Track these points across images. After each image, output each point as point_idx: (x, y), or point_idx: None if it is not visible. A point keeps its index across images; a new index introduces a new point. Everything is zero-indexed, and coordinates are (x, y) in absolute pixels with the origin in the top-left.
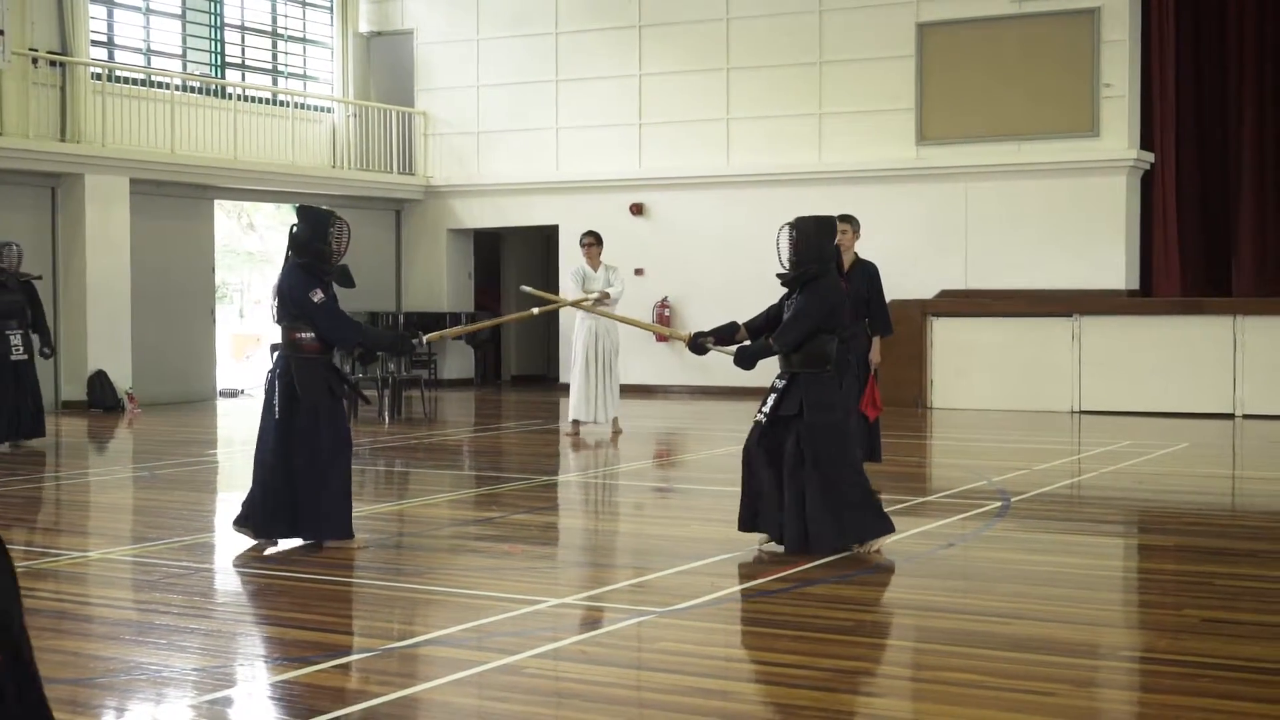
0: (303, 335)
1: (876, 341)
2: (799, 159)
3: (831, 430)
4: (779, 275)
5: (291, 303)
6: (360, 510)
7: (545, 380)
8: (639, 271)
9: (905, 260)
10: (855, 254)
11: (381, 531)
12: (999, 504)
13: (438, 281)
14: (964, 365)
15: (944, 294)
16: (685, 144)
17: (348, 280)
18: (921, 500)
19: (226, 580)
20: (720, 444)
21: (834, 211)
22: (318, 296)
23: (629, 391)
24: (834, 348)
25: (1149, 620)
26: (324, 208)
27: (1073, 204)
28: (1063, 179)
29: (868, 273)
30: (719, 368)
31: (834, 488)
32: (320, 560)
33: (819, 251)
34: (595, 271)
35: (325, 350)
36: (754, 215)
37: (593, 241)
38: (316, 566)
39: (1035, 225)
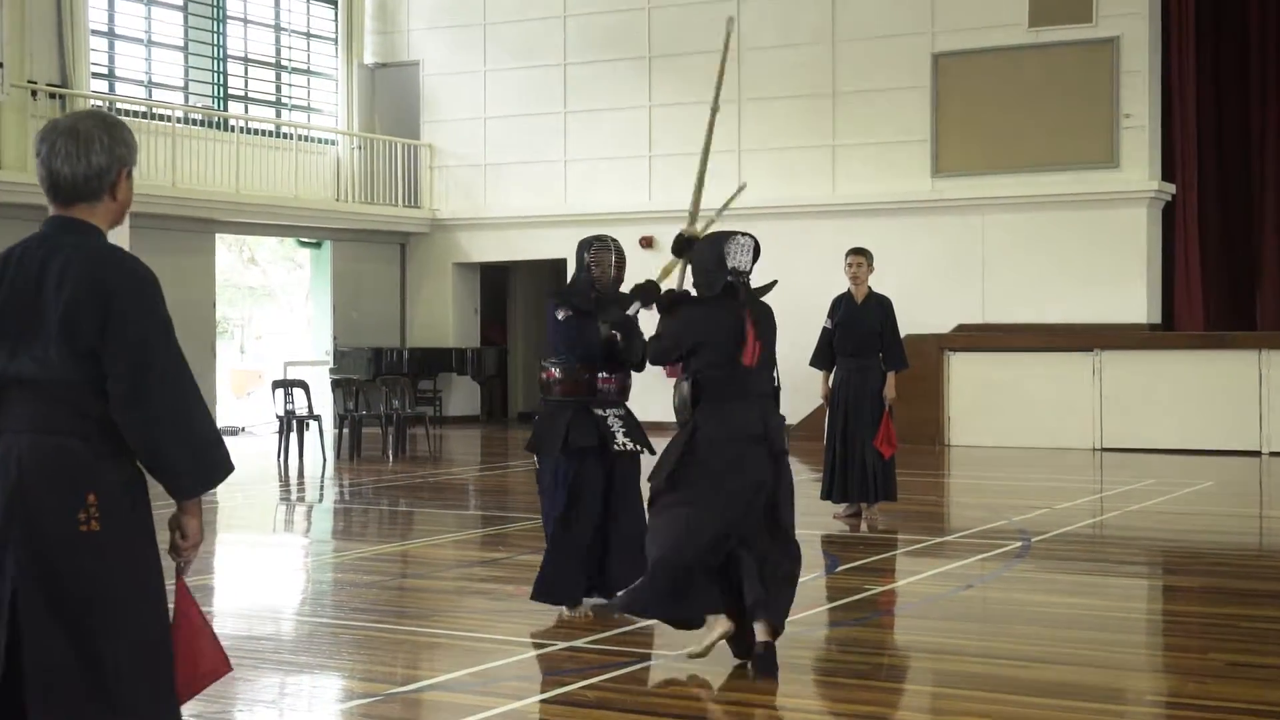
0: (550, 375)
1: (891, 377)
2: (812, 191)
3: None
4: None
5: (549, 337)
6: (363, 551)
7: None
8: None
9: (921, 294)
10: (869, 288)
11: (385, 573)
12: (1019, 544)
13: (443, 316)
14: (982, 402)
15: (961, 329)
16: (691, 178)
17: (614, 312)
18: (939, 540)
19: (222, 624)
20: None
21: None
22: (562, 314)
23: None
24: (689, 391)
25: (1173, 664)
26: (595, 235)
27: (1092, 236)
28: (1082, 211)
29: (881, 306)
30: None
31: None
32: (321, 601)
33: (705, 275)
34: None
35: (586, 389)
36: (767, 249)
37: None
38: (317, 608)
39: (1054, 258)
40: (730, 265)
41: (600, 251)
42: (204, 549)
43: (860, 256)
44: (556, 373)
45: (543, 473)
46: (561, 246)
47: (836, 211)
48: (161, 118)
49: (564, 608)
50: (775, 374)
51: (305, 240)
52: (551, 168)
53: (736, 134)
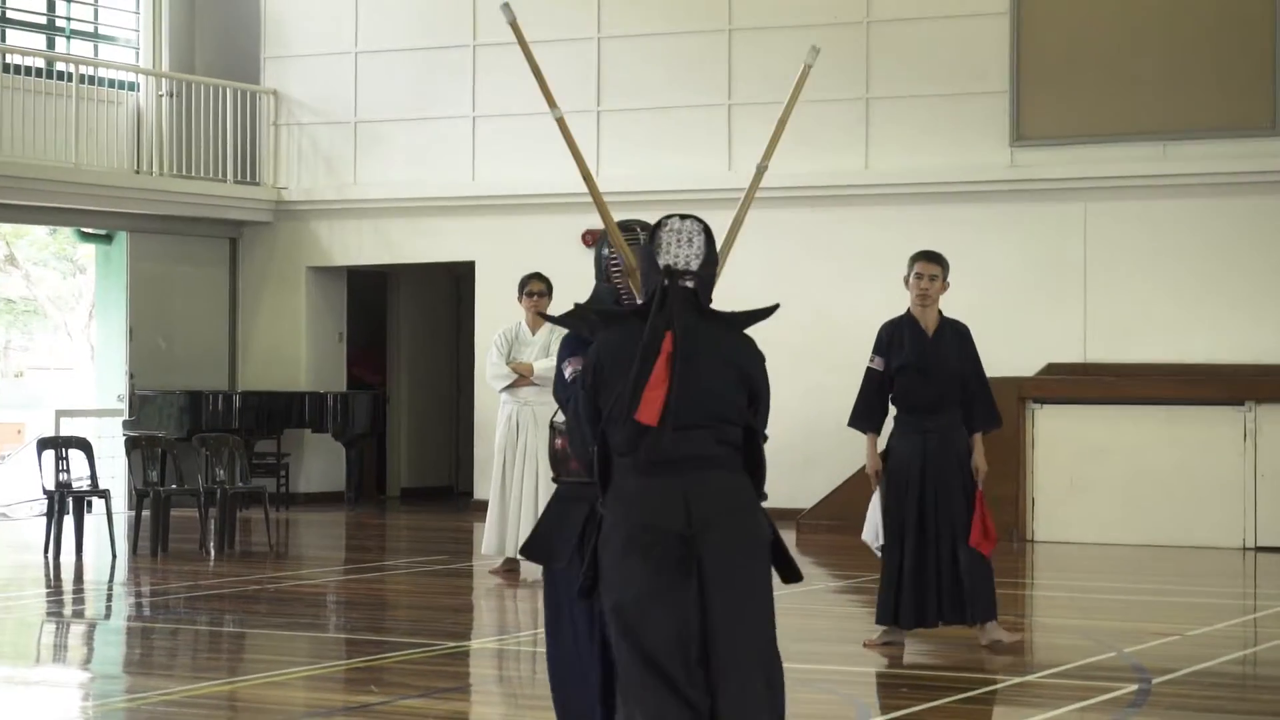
0: (564, 445)
1: (978, 440)
2: (835, 165)
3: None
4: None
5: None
6: (171, 692)
7: (452, 494)
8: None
9: (994, 318)
10: (940, 310)
11: None
12: (1134, 688)
13: (292, 345)
14: (1081, 476)
15: (1052, 369)
16: (665, 142)
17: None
18: (1020, 680)
19: None
20: None
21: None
22: (569, 370)
23: None
24: (596, 465)
25: None
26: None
27: (1243, 234)
28: (1228, 198)
29: (960, 336)
30: None
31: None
32: None
33: (646, 281)
34: (534, 335)
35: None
36: (770, 249)
37: (542, 290)
38: None
39: (1188, 266)
40: (663, 262)
41: (628, 247)
42: None
43: (935, 265)
44: (560, 441)
45: (550, 590)
46: (466, 244)
47: (870, 196)
48: None
49: None
50: (762, 419)
51: (89, 231)
52: (454, 127)
53: (725, 79)
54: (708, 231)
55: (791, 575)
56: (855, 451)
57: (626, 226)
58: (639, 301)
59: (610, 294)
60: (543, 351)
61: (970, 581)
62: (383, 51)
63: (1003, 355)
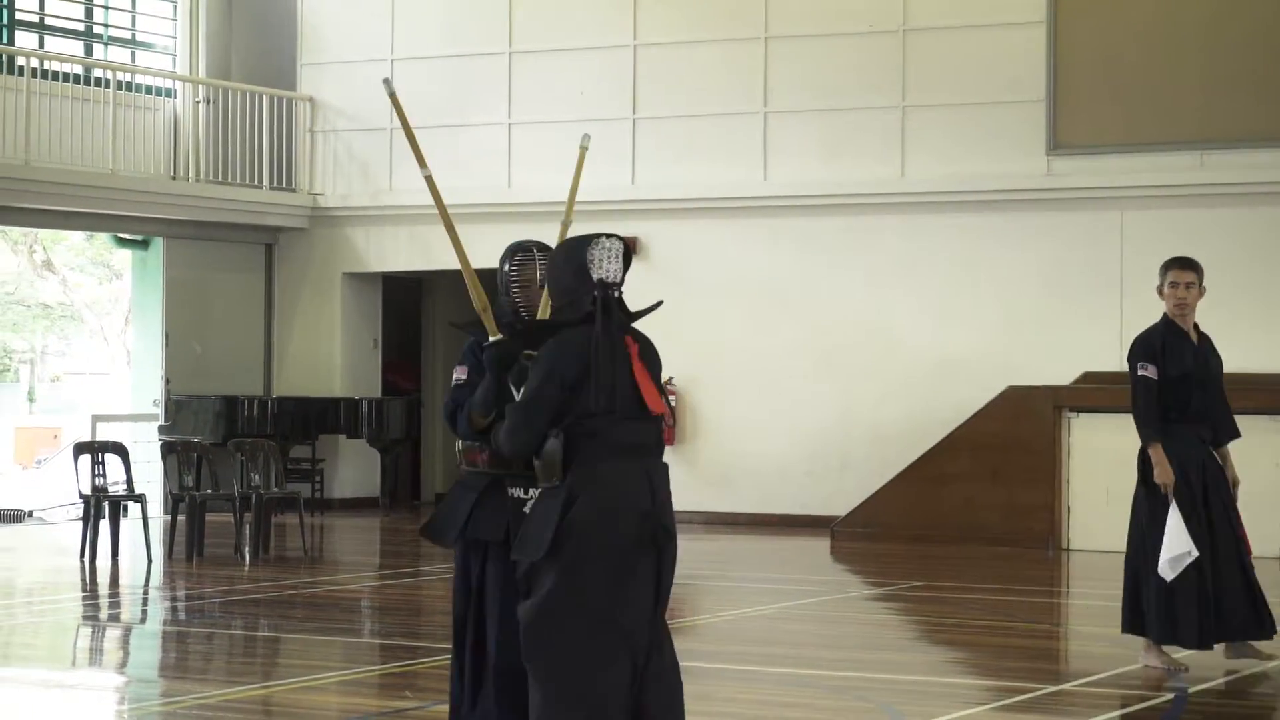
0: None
1: (1228, 454)
2: (871, 174)
3: (531, 579)
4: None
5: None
6: (207, 696)
7: None
8: None
9: (1030, 327)
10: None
11: None
12: (1170, 696)
13: (328, 352)
14: (1116, 486)
15: (1088, 377)
16: (700, 150)
17: (525, 341)
18: (1055, 689)
19: None
20: (748, 600)
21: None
22: (456, 375)
23: None
24: (558, 448)
25: None
26: (522, 240)
27: None
28: (1266, 207)
29: (1213, 346)
30: (748, 486)
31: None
32: None
33: (568, 294)
34: None
35: (496, 461)
36: (804, 256)
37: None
38: None
39: (1225, 275)
40: (596, 276)
41: (524, 265)
42: None
43: (1191, 272)
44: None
45: (459, 565)
46: (502, 250)
47: (905, 204)
48: None
49: None
50: (666, 415)
51: (126, 237)
52: (489, 135)
53: (761, 86)
54: (628, 248)
55: None
56: (888, 459)
57: (524, 247)
58: (537, 314)
59: (508, 306)
60: None
61: (1257, 593)
62: (418, 58)
63: (1039, 364)
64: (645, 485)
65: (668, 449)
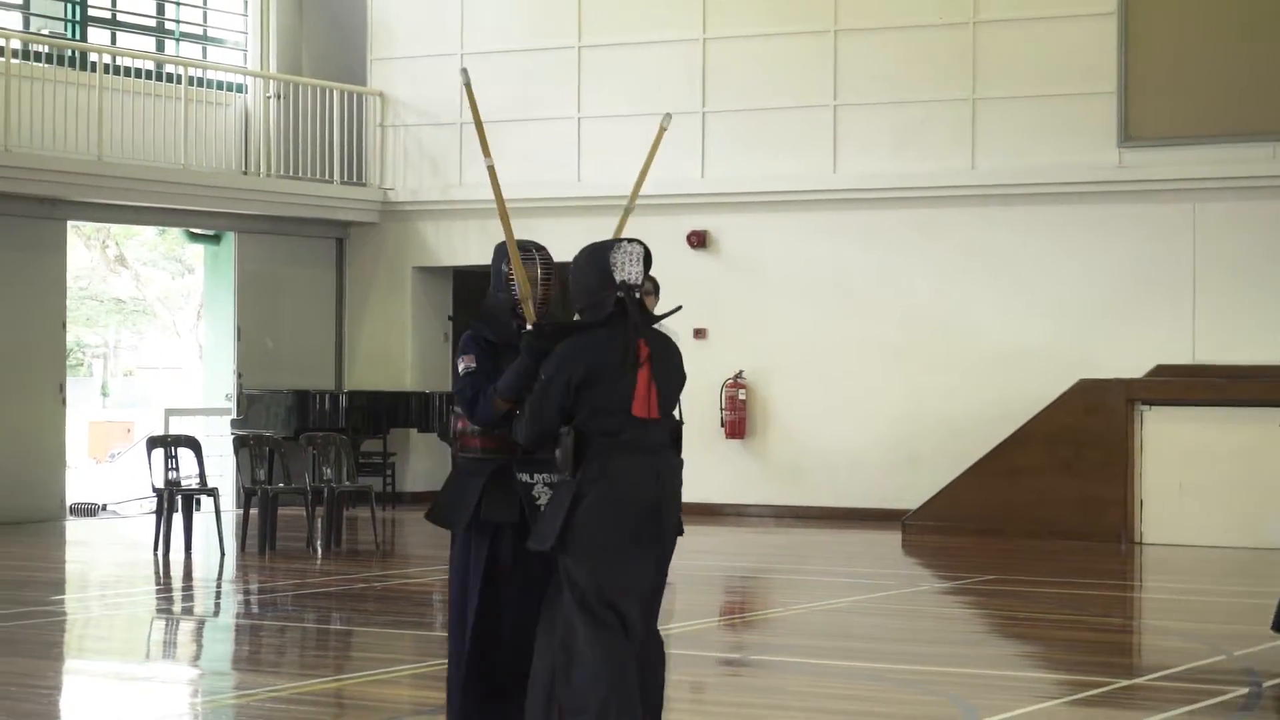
0: (461, 424)
1: None
2: (941, 166)
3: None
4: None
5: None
6: (279, 689)
7: None
8: (700, 333)
9: (1102, 319)
10: None
11: None
12: (1245, 690)
13: (398, 345)
14: (1190, 480)
15: (1160, 371)
16: (769, 143)
17: (539, 339)
18: (1128, 683)
19: None
20: (819, 594)
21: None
22: (463, 365)
23: (687, 513)
24: (570, 444)
25: None
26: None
27: None
28: None
29: None
30: (819, 479)
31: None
32: None
33: (590, 295)
34: None
35: (501, 448)
36: (872, 249)
37: (649, 289)
38: None
39: None
40: (619, 278)
41: (524, 265)
42: (47, 683)
43: None
44: (458, 421)
45: (457, 554)
46: (572, 244)
47: (976, 196)
48: None
49: None
50: (679, 412)
51: (197, 232)
52: (559, 129)
53: (831, 80)
54: (648, 252)
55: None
56: (959, 452)
57: (523, 246)
58: (530, 321)
59: (507, 304)
60: None
61: None
62: (488, 53)
63: (1111, 356)
64: (654, 482)
65: (737, 442)
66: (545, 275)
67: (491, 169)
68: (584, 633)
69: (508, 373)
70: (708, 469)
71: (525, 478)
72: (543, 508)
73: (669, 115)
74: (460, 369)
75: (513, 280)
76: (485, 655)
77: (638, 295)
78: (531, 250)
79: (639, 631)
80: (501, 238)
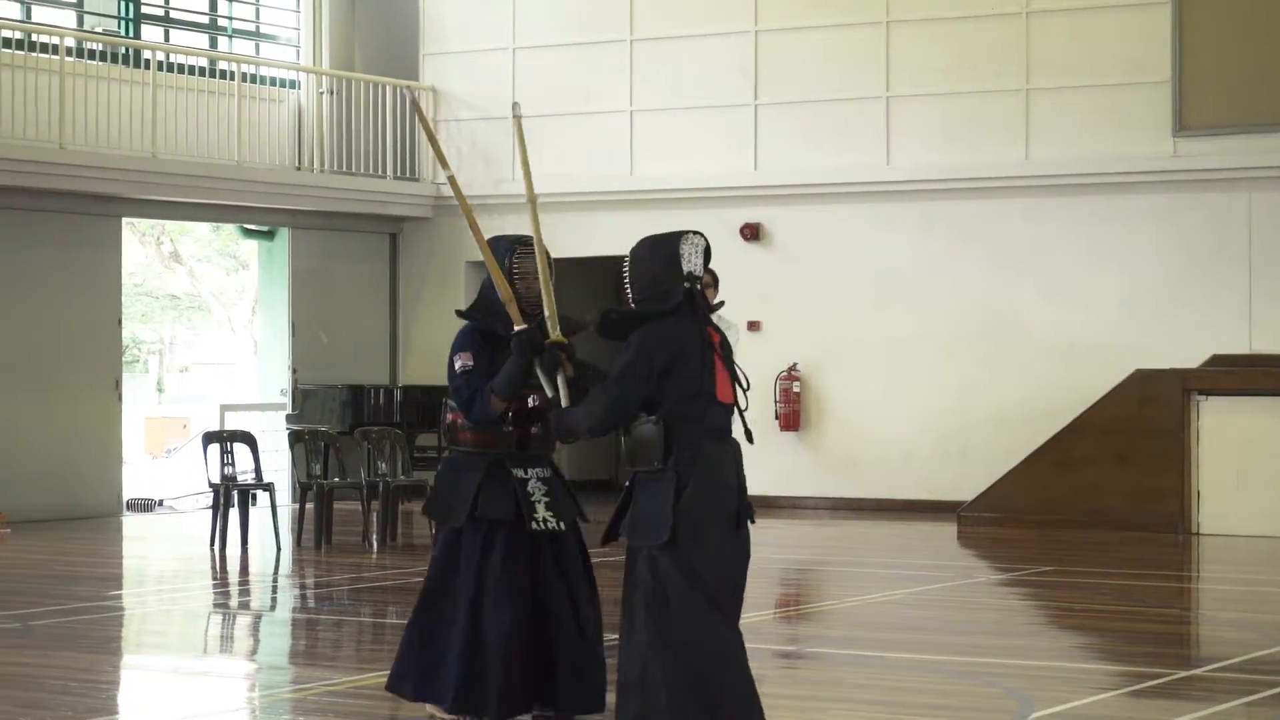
0: (455, 419)
1: None
2: (995, 157)
3: (652, 566)
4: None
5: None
6: (336, 683)
7: (613, 488)
8: (754, 325)
9: (1157, 309)
10: None
11: (368, 716)
12: None
13: (451, 338)
14: (1247, 468)
15: (1217, 360)
16: (822, 135)
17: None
18: (1185, 674)
19: None
20: (876, 585)
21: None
22: (459, 363)
23: None
24: (660, 434)
25: None
26: (518, 235)
27: None
28: None
29: None
30: (873, 471)
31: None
32: None
33: (655, 284)
34: None
35: (504, 439)
36: (926, 241)
37: (709, 281)
38: None
39: None
40: (686, 269)
41: (524, 258)
42: (105, 678)
43: None
44: (451, 415)
45: (444, 550)
46: (625, 238)
47: (1029, 186)
48: (44, 48)
49: None
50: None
51: (252, 228)
52: (611, 122)
53: (882, 71)
54: (708, 246)
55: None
56: (1013, 443)
57: (524, 241)
58: (517, 323)
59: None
60: None
61: None
62: (540, 47)
63: (1167, 347)
64: (734, 466)
65: (791, 434)
66: (546, 269)
67: (452, 179)
68: (691, 621)
69: (501, 373)
70: (762, 461)
71: (519, 473)
72: (641, 502)
73: (517, 104)
74: (457, 367)
75: (517, 273)
76: (480, 650)
77: (700, 286)
78: (531, 245)
79: (736, 616)
80: (513, 231)
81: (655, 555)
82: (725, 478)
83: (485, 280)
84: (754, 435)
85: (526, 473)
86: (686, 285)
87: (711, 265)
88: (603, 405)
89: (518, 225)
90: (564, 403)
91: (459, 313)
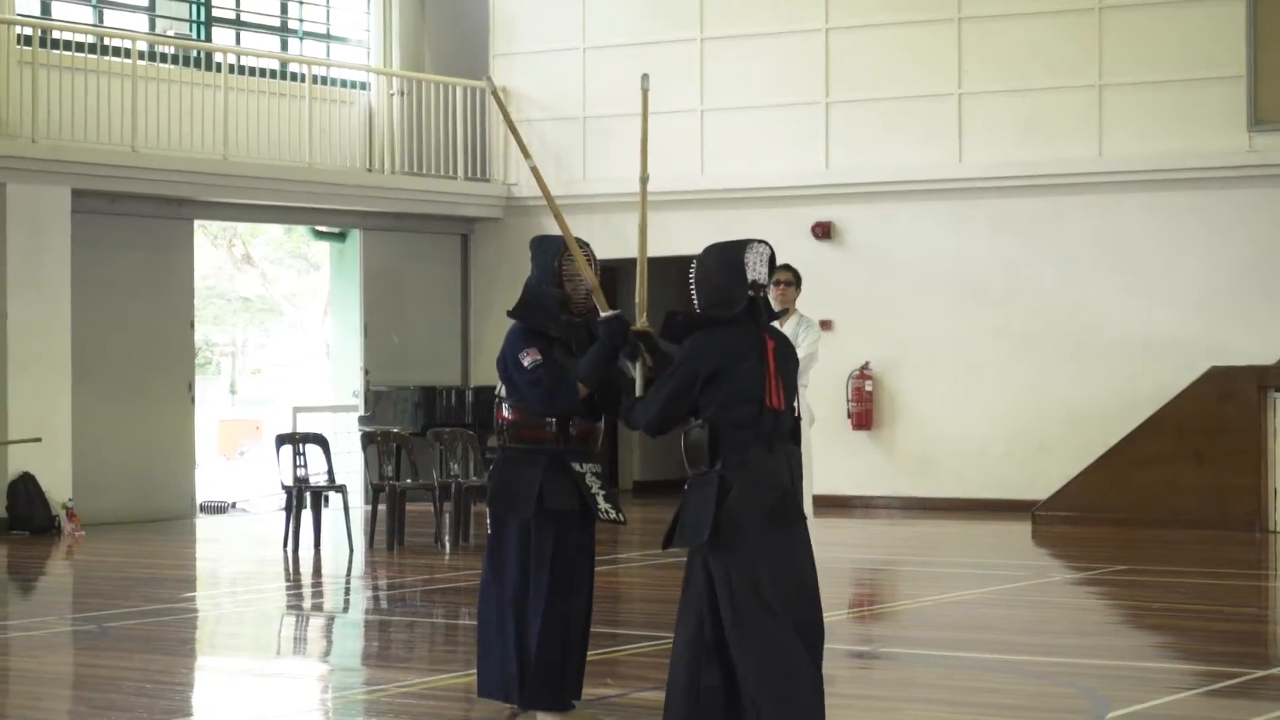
0: (513, 417)
1: None
2: (1067, 154)
3: (705, 568)
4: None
5: (501, 370)
6: (410, 684)
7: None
8: (826, 324)
9: (1233, 306)
10: None
11: (442, 716)
12: None
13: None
14: None
15: None
16: (894, 133)
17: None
18: (1263, 674)
19: None
20: (950, 585)
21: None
22: (529, 359)
23: (815, 504)
24: (705, 438)
25: None
26: (559, 235)
27: None
28: None
29: None
30: (946, 470)
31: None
32: None
33: (720, 292)
34: (782, 326)
35: (559, 435)
36: (999, 238)
37: (790, 280)
38: None
39: None
40: (751, 278)
41: (570, 263)
42: (180, 680)
43: None
44: (509, 413)
45: (500, 541)
46: (697, 237)
47: (1103, 183)
48: (116, 51)
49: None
50: (795, 405)
51: (323, 230)
52: (682, 122)
53: (954, 69)
54: (773, 254)
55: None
56: (1088, 441)
57: (580, 243)
58: (582, 310)
59: (556, 298)
60: (792, 339)
61: None
62: (610, 46)
63: (1242, 343)
64: (786, 471)
65: (864, 433)
66: (596, 269)
67: (535, 169)
68: (749, 623)
69: (587, 358)
70: (835, 461)
71: (576, 466)
72: (689, 505)
73: (646, 75)
74: (526, 363)
75: (567, 275)
76: (557, 640)
77: (764, 295)
78: (587, 246)
79: (804, 626)
80: (541, 232)
81: (705, 557)
82: (773, 481)
83: (529, 279)
84: (826, 436)
85: (581, 466)
86: (750, 294)
87: (788, 263)
88: (653, 405)
89: (589, 224)
90: (637, 391)
91: (510, 312)
